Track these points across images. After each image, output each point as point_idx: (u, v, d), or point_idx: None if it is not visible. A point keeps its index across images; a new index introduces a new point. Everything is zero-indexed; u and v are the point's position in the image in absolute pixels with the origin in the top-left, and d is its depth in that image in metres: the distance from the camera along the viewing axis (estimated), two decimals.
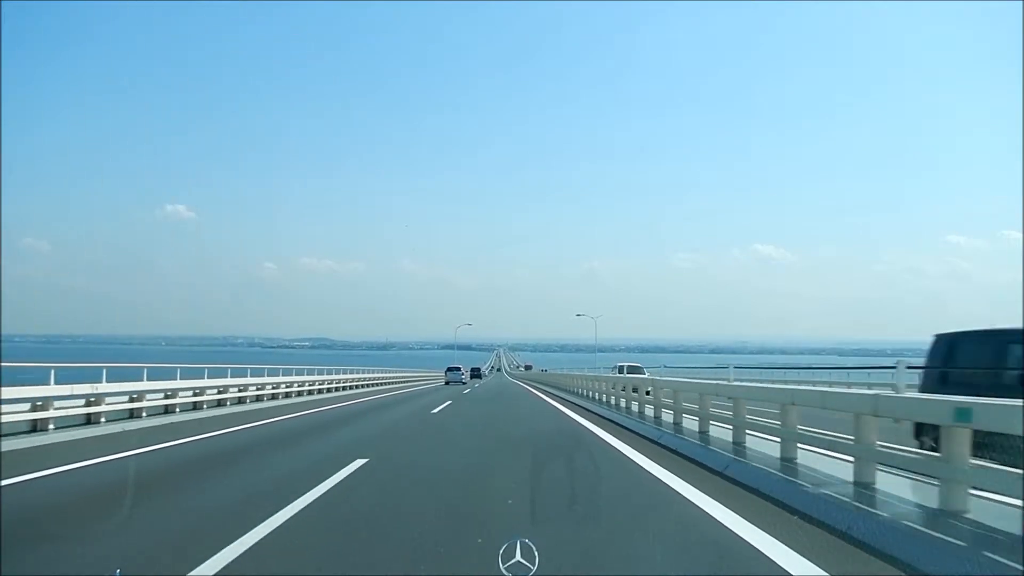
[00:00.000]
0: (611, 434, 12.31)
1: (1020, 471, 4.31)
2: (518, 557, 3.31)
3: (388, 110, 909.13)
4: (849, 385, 24.09)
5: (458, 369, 52.85)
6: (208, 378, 18.06)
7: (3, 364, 11.14)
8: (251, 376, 21.04)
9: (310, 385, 26.76)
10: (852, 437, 6.26)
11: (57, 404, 12.04)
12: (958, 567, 3.91)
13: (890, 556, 4.34)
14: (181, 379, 16.47)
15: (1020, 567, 3.69)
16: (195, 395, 16.99)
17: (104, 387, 13.44)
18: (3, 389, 10.45)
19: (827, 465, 7.01)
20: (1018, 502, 4.39)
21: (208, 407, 17.37)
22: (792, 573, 4.02)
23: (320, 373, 28.80)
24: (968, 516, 4.72)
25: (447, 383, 47.98)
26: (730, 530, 5.05)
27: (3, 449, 9.53)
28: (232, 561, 4.14)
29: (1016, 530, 4.30)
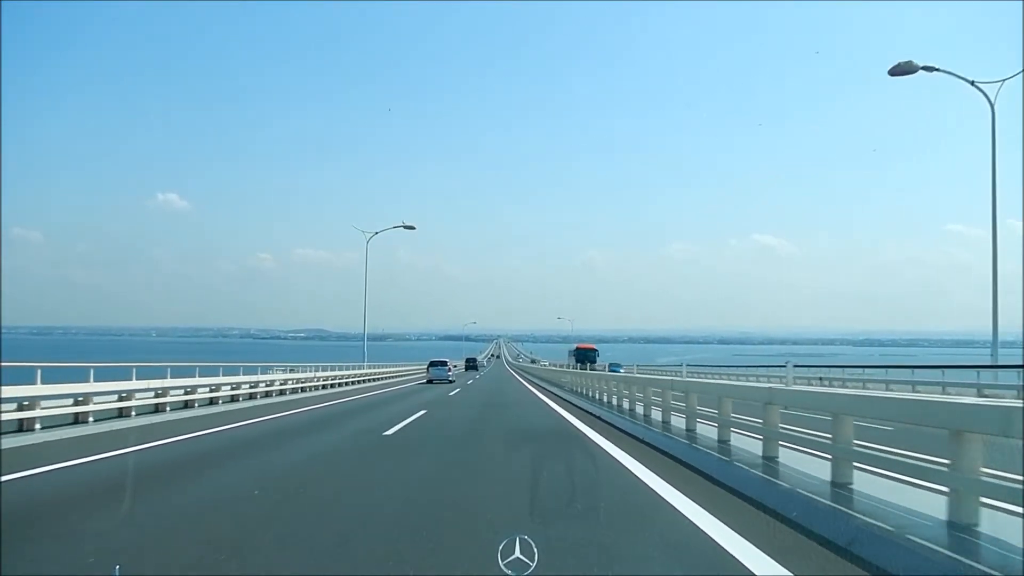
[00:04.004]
0: None
1: None
2: (517, 554, 3.20)
3: (384, 102, 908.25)
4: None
5: (443, 364, 41.45)
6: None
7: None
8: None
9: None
10: None
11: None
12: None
13: None
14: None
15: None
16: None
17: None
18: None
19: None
20: None
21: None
22: None
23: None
24: None
25: (429, 381, 39.82)
26: None
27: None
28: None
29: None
